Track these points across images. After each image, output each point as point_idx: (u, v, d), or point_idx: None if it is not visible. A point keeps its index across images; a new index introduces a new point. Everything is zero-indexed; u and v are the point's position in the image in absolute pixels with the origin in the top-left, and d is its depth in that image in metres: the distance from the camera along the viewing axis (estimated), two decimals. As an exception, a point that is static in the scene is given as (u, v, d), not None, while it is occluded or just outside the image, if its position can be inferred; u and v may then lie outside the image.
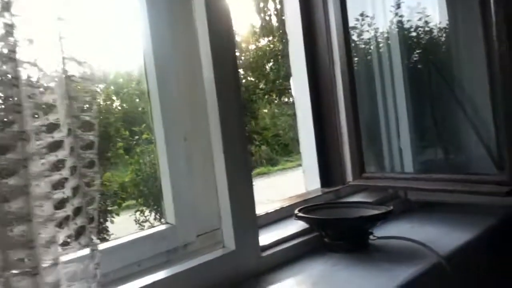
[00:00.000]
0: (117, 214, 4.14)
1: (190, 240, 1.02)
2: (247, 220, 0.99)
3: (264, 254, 1.04)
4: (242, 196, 0.98)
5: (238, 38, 6.65)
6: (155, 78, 0.98)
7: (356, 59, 1.61)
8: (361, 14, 1.62)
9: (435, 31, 1.63)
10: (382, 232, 1.20)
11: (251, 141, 6.12)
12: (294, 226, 1.18)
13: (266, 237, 1.11)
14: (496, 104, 1.23)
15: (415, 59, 1.67)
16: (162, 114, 0.98)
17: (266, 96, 6.52)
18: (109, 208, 4.23)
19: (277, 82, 6.29)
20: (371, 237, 1.13)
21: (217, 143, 0.96)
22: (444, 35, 1.64)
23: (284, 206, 1.29)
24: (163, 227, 1.01)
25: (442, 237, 1.15)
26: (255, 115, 6.11)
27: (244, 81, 6.03)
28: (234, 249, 0.96)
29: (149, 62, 0.99)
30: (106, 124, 4.13)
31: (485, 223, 1.23)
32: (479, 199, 1.24)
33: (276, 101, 6.84)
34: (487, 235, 1.20)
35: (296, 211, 1.17)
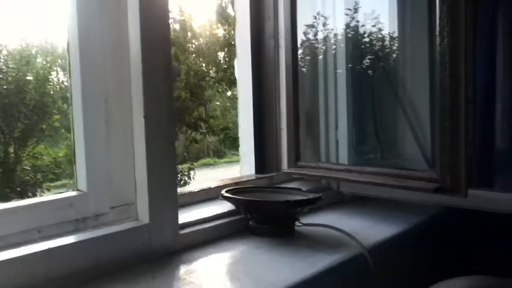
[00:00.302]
0: (48, 189, 3.93)
1: (102, 211, 0.94)
2: (165, 194, 0.92)
3: (183, 231, 0.98)
4: (161, 168, 0.91)
5: (194, 24, 6.53)
6: (76, 35, 0.89)
7: (308, 57, 1.58)
8: (318, 13, 1.60)
9: (386, 34, 1.63)
10: (311, 220, 1.17)
11: (197, 128, 6.02)
12: (221, 207, 1.13)
13: (188, 216, 1.05)
14: (433, 103, 1.23)
15: (366, 63, 1.66)
16: (81, 72, 0.89)
17: (216, 85, 6.43)
18: (40, 183, 4.02)
19: (229, 71, 6.22)
20: (297, 223, 1.09)
21: (137, 106, 0.88)
22: (393, 36, 1.64)
23: (212, 187, 1.23)
24: (72, 193, 0.92)
25: (368, 229, 1.14)
26: (203, 101, 6.01)
27: (194, 66, 5.91)
28: (147, 222, 0.89)
29: (73, 23, 0.90)
30: (43, 93, 3.90)
31: (413, 220, 1.23)
32: (410, 196, 1.23)
33: (226, 91, 6.77)
34: (414, 231, 1.20)
35: (222, 192, 1.11)
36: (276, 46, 1.43)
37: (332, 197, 1.42)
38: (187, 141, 6.33)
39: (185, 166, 6.32)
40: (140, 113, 0.88)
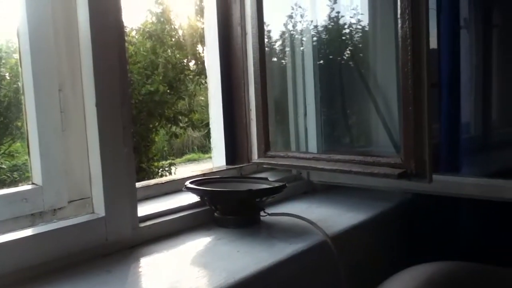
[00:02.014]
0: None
1: (60, 205, 0.91)
2: (122, 185, 0.89)
3: (144, 224, 0.96)
4: (117, 159, 0.88)
5: (172, 16, 6.45)
6: (25, 19, 0.85)
7: (284, 48, 1.56)
8: (295, 4, 1.58)
9: (355, 22, 1.61)
10: (280, 210, 1.16)
11: (176, 122, 5.94)
12: (186, 199, 1.11)
13: (151, 208, 1.03)
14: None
15: (335, 51, 1.64)
16: (32, 59, 0.85)
17: (196, 78, 6.36)
18: (17, 181, 3.94)
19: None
20: (262, 213, 1.08)
21: (89, 94, 0.85)
22: (363, 25, 1.62)
23: (176, 179, 1.21)
24: (27, 187, 0.89)
25: (335, 218, 1.13)
26: (183, 95, 5.93)
27: (173, 59, 5.81)
28: (103, 215, 0.86)
29: (21, 7, 0.86)
30: (17, 90, 3.80)
31: (381, 208, 1.22)
32: (379, 183, 1.23)
33: (206, 83, 6.68)
34: (381, 219, 1.20)
35: (186, 183, 1.09)
36: (243, 33, 1.40)
37: (303, 187, 1.41)
38: (167, 135, 6.27)
39: (167, 162, 6.27)
40: (92, 101, 0.85)
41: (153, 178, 5.15)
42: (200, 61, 6.46)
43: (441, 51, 1.26)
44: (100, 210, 0.88)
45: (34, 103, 0.87)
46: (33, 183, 0.91)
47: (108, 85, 0.85)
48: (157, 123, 5.67)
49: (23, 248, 0.77)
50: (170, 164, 6.14)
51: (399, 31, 1.00)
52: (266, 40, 1.47)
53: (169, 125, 5.95)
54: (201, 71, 6.31)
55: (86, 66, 0.85)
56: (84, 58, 0.85)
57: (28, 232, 0.79)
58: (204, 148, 9.62)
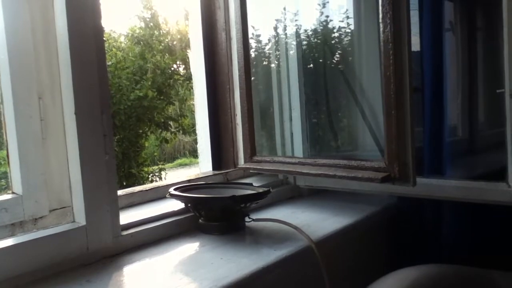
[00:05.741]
0: (11, 196, 3.82)
1: (40, 214, 0.90)
2: (103, 193, 0.88)
3: (126, 232, 0.95)
4: (98, 167, 0.87)
5: (160, 20, 6.43)
6: (2, 26, 0.84)
7: (276, 53, 1.56)
8: (284, 8, 1.58)
9: (338, 26, 1.62)
10: (265, 215, 1.16)
11: (166, 127, 5.92)
12: (170, 206, 1.10)
13: (134, 215, 1.02)
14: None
15: (320, 56, 1.64)
16: (10, 66, 0.84)
17: (186, 83, 6.34)
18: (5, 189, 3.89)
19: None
20: (247, 219, 1.07)
21: (68, 102, 0.84)
22: (348, 29, 1.63)
23: (161, 185, 1.20)
24: (6, 197, 0.88)
25: (320, 222, 1.13)
26: (172, 100, 5.91)
27: (162, 64, 5.78)
28: (84, 224, 0.85)
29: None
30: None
31: (366, 212, 1.22)
32: (364, 187, 1.23)
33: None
34: (366, 223, 1.19)
35: (170, 190, 1.08)
36: (228, 38, 1.40)
37: (289, 191, 1.41)
38: (157, 141, 6.24)
39: (157, 167, 6.24)
40: (71, 110, 0.84)
41: (143, 183, 5.12)
42: (189, 66, 6.45)
43: (423, 54, 1.26)
44: (80, 218, 0.87)
45: (13, 111, 0.85)
46: (13, 192, 0.90)
47: (87, 93, 0.84)
48: (146, 129, 5.65)
49: (3, 258, 0.76)
50: (160, 169, 6.11)
51: (381, 35, 1.00)
52: (255, 44, 1.47)
53: (159, 130, 5.93)
54: (191, 76, 6.30)
55: (65, 74, 0.84)
56: (63, 66, 0.85)
57: (8, 242, 0.78)
58: (196, 153, 9.60)
